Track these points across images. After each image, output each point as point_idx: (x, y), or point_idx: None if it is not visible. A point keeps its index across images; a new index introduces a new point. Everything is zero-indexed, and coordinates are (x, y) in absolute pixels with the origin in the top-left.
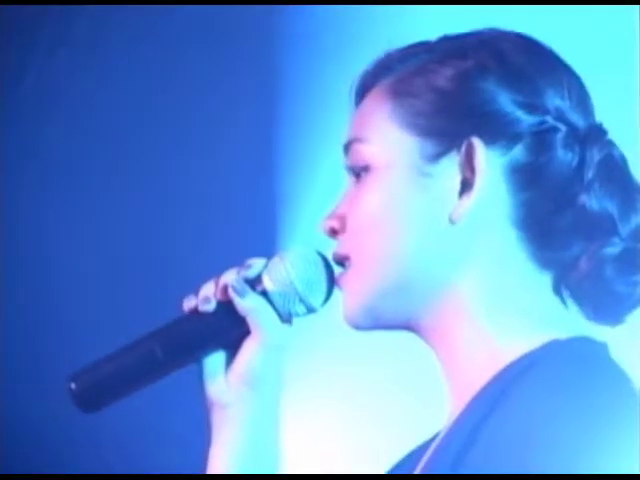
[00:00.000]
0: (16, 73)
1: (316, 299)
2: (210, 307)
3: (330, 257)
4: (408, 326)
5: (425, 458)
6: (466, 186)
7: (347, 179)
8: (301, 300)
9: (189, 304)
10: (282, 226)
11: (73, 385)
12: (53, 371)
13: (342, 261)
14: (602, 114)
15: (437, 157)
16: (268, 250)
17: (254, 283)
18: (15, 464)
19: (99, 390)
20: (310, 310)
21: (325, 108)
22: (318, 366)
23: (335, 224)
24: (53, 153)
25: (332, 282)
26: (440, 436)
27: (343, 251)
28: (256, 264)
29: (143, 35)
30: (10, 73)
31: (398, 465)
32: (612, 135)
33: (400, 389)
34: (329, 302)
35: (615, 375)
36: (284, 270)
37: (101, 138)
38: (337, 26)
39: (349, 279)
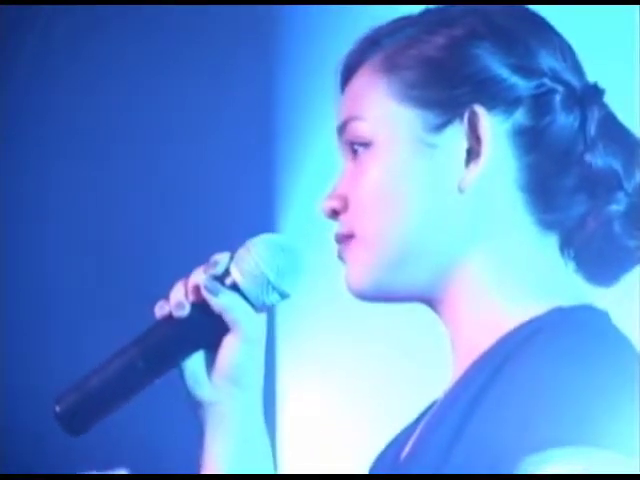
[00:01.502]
0: (9, 68)
1: (289, 285)
2: (184, 312)
3: (333, 238)
4: (416, 297)
5: (421, 426)
6: (472, 154)
7: (341, 161)
8: (274, 288)
9: (162, 311)
10: (275, 217)
11: (57, 408)
12: (51, 371)
13: (346, 240)
14: None
15: (440, 127)
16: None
17: (223, 279)
18: (13, 464)
19: (84, 413)
20: (283, 297)
21: (318, 97)
22: (322, 339)
23: (336, 204)
24: (48, 149)
25: (302, 265)
26: (439, 402)
27: (347, 230)
28: (222, 259)
29: (138, 32)
30: (4, 67)
31: (395, 439)
32: None
33: (405, 360)
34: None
35: (618, 340)
36: (252, 261)
37: (96, 136)
38: (333, 25)
39: (354, 250)
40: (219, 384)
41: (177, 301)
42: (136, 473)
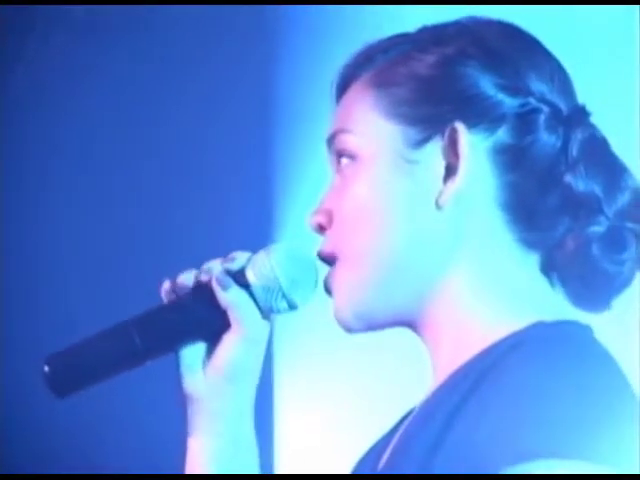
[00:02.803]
0: (8, 67)
1: (299, 296)
2: (188, 283)
3: (316, 255)
4: (397, 321)
5: (399, 434)
6: (451, 171)
7: (331, 175)
8: (284, 296)
9: (165, 287)
10: (273, 223)
11: (47, 368)
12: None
13: (329, 259)
14: (601, 114)
15: (421, 143)
16: (258, 245)
17: (236, 276)
18: (13, 464)
19: (73, 375)
20: (292, 307)
21: (317, 106)
22: (313, 359)
23: (322, 219)
24: (47, 147)
25: (317, 279)
26: (417, 411)
27: (329, 249)
28: (239, 257)
29: (137, 33)
30: (4, 67)
31: (373, 448)
32: (611, 135)
33: (401, 368)
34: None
35: (601, 355)
36: (269, 265)
37: (94, 134)
38: (330, 26)
39: (338, 278)
40: (212, 379)
41: (184, 276)
42: (135, 473)
